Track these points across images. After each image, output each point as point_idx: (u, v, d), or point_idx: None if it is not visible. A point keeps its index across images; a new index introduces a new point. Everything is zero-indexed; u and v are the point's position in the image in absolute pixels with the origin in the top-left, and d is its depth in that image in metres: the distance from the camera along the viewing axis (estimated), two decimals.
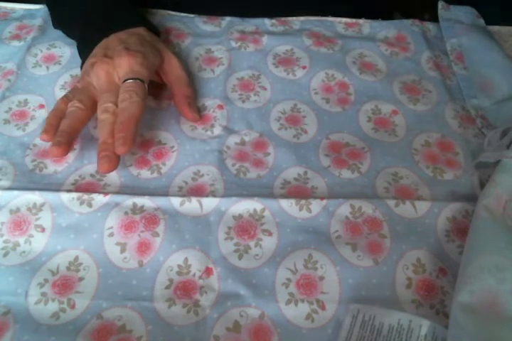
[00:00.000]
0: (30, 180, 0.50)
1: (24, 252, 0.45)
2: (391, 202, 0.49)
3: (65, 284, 0.43)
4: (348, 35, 0.70)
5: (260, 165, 0.53)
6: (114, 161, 0.45)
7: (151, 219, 0.47)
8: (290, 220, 0.47)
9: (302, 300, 0.42)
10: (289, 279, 0.44)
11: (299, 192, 0.50)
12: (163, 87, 0.59)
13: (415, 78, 0.63)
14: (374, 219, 0.48)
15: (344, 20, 0.72)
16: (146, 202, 0.48)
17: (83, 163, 0.52)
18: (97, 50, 0.53)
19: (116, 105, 0.48)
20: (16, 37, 0.65)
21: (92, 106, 0.50)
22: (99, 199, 0.48)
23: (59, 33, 0.66)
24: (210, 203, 0.48)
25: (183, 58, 0.63)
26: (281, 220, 0.47)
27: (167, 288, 0.43)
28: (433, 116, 0.58)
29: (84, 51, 0.55)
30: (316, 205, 0.48)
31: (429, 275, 0.44)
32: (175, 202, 0.48)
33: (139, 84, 0.49)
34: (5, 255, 0.44)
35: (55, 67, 0.62)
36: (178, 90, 0.56)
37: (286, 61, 0.64)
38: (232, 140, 0.55)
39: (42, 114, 0.56)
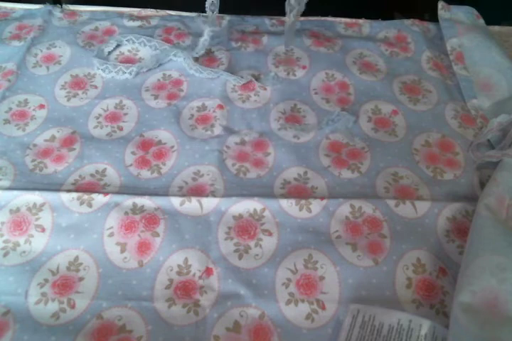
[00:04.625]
0: (30, 180, 0.50)
1: (24, 252, 0.44)
2: (391, 202, 0.49)
3: (65, 284, 0.43)
4: (348, 35, 0.70)
5: (260, 165, 0.53)
6: None
7: (151, 219, 0.47)
8: (290, 220, 0.47)
9: (302, 300, 0.42)
10: (289, 279, 0.44)
11: (299, 192, 0.50)
12: None
13: (415, 78, 0.63)
14: (374, 219, 0.48)
15: (344, 20, 0.72)
16: (146, 202, 0.48)
17: (83, 163, 0.52)
18: None
19: None
20: (16, 37, 0.65)
21: None
22: (99, 199, 0.48)
23: (59, 32, 0.66)
24: (210, 203, 0.48)
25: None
26: (281, 220, 0.47)
27: (167, 288, 0.43)
28: (433, 116, 0.58)
29: None
30: (316, 205, 0.48)
31: (429, 275, 0.44)
32: (175, 202, 0.48)
33: None
34: (5, 255, 0.44)
35: (55, 67, 0.62)
36: None
37: (286, 61, 0.64)
38: (232, 140, 0.55)
39: (42, 114, 0.56)
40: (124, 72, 0.60)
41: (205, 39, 0.62)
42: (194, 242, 0.46)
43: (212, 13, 0.60)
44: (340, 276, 0.44)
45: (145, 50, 0.65)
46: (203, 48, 0.63)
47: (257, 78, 0.61)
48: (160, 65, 0.63)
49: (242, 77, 0.60)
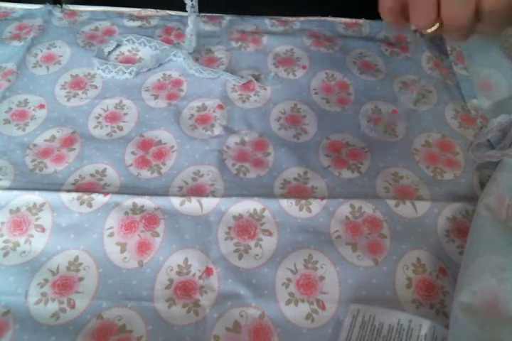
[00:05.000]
0: (30, 180, 0.50)
1: (24, 252, 0.44)
2: (391, 202, 0.49)
3: (65, 284, 0.43)
4: (348, 35, 0.70)
5: (260, 165, 0.53)
6: None
7: (151, 219, 0.47)
8: (290, 220, 0.47)
9: (302, 300, 0.42)
10: (289, 279, 0.44)
11: (299, 192, 0.50)
12: None
13: (415, 78, 0.63)
14: (374, 219, 0.48)
15: (344, 20, 0.72)
16: (146, 202, 0.48)
17: (83, 163, 0.52)
18: None
19: None
20: (16, 37, 0.65)
21: None
22: (99, 199, 0.48)
23: (59, 32, 0.66)
24: (210, 203, 0.48)
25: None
26: (281, 220, 0.47)
27: (167, 288, 0.43)
28: (433, 116, 0.58)
29: None
30: (316, 205, 0.48)
31: (429, 275, 0.44)
32: (175, 202, 0.48)
33: None
34: (5, 255, 0.44)
35: (55, 67, 0.62)
36: None
37: (286, 61, 0.64)
38: (232, 140, 0.55)
39: (42, 114, 0.56)
40: (124, 72, 0.60)
41: (188, 44, 0.62)
42: (194, 242, 0.46)
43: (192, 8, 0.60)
44: (340, 276, 0.44)
45: (145, 50, 0.65)
46: (190, 48, 0.63)
47: (257, 78, 0.61)
48: (160, 64, 0.63)
49: (242, 77, 0.60)
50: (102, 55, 0.63)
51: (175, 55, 0.63)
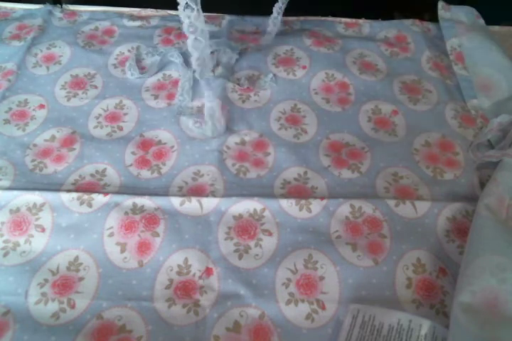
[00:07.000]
0: (30, 180, 0.50)
1: (24, 252, 0.44)
2: (391, 202, 0.49)
3: (65, 284, 0.43)
4: (348, 35, 0.70)
5: (260, 165, 0.53)
6: None
7: (151, 219, 0.47)
8: (290, 220, 0.47)
9: (302, 300, 0.42)
10: (289, 279, 0.44)
11: (299, 192, 0.50)
12: None
13: (415, 78, 0.63)
14: (374, 219, 0.48)
15: (344, 20, 0.72)
16: (146, 202, 0.48)
17: (83, 163, 0.52)
18: None
19: None
20: (16, 37, 0.65)
21: None
22: (99, 199, 0.48)
23: (59, 32, 0.66)
24: (210, 203, 0.48)
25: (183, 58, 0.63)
26: (281, 220, 0.47)
27: (167, 288, 0.43)
28: (433, 116, 0.58)
29: None
30: (316, 205, 0.48)
31: (429, 275, 0.44)
32: (175, 202, 0.48)
33: None
34: (5, 255, 0.44)
35: (55, 66, 0.62)
36: None
37: (286, 61, 0.64)
38: (232, 140, 0.55)
39: (42, 114, 0.56)
40: (125, 73, 0.61)
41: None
42: (194, 242, 0.46)
43: None
44: (340, 276, 0.44)
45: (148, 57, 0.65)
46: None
47: (257, 78, 0.61)
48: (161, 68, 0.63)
49: (238, 80, 0.60)
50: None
51: (172, 56, 0.63)
